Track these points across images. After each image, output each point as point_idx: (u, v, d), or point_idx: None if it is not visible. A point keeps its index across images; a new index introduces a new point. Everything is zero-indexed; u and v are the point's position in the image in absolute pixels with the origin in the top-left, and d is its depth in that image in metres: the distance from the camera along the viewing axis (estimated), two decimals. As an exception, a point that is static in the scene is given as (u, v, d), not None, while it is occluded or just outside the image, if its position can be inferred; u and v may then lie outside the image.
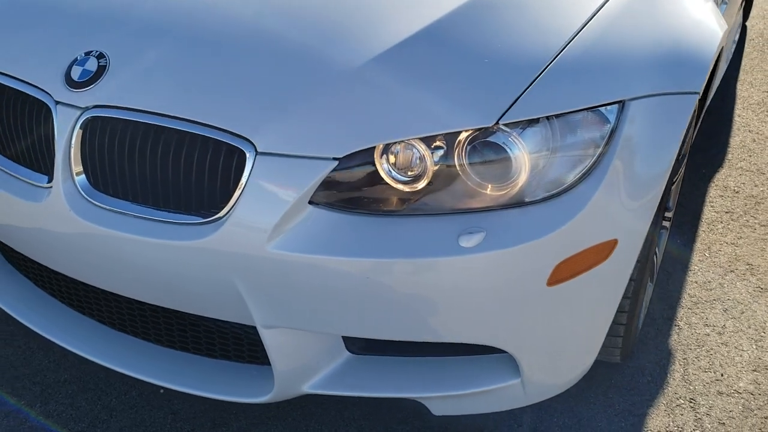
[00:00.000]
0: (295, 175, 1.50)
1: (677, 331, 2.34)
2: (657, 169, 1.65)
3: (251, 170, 1.52)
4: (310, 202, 1.52)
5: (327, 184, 1.52)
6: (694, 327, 2.36)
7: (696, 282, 2.55)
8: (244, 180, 1.52)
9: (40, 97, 1.68)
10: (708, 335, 2.33)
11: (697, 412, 2.06)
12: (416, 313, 1.55)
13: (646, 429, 2.01)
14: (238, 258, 1.54)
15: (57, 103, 1.66)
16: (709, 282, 2.55)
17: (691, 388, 2.14)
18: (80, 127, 1.63)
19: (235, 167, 1.53)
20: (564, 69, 1.58)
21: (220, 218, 1.55)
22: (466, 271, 1.51)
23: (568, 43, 1.62)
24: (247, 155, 1.52)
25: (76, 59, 1.68)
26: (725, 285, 2.54)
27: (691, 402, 2.09)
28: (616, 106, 1.59)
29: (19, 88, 1.71)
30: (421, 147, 1.53)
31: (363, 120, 1.52)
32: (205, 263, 1.57)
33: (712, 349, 2.27)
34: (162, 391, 2.11)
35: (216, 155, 1.55)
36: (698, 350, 2.27)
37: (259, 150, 1.51)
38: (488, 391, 1.70)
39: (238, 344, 1.78)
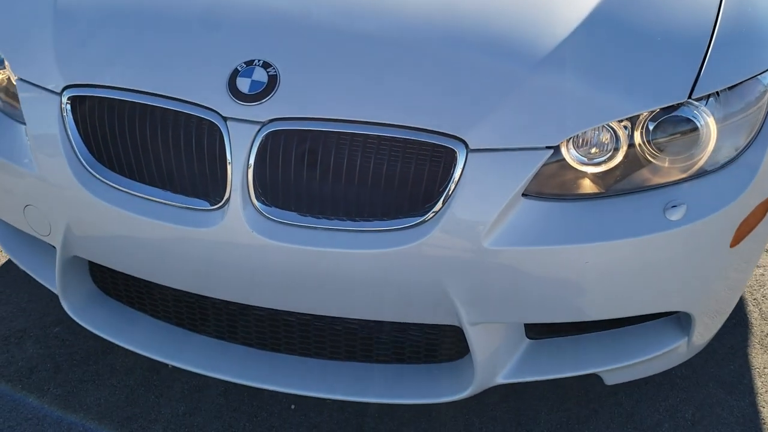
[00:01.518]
0: (510, 168, 1.50)
1: (735, 275, 2.53)
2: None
3: (463, 168, 1.49)
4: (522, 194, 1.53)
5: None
6: (748, 269, 2.56)
7: (730, 228, 2.76)
8: (456, 179, 1.50)
9: (202, 116, 1.56)
10: (763, 275, 2.54)
11: (788, 346, 2.25)
12: (619, 290, 1.60)
13: (753, 368, 2.18)
14: (451, 258, 1.52)
15: (226, 119, 1.55)
16: (740, 227, 2.76)
17: (773, 324, 2.33)
18: (260, 143, 1.53)
19: (444, 167, 1.51)
20: (724, 42, 1.66)
21: (430, 220, 1.52)
22: (670, 243, 1.57)
23: (717, 16, 1.70)
24: (458, 153, 1.49)
25: (236, 71, 1.57)
26: (755, 227, 2.76)
27: (778, 337, 2.28)
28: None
29: (172, 107, 1.58)
30: (612, 128, 1.56)
31: (564, 107, 1.54)
32: (414, 267, 1.54)
33: (772, 287, 2.48)
34: (293, 407, 2.03)
35: (422, 157, 1.51)
36: (762, 290, 2.47)
37: (471, 147, 1.49)
38: (659, 355, 1.78)
39: (416, 345, 1.75)
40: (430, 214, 1.52)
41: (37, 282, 2.41)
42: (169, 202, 1.62)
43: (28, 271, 1.98)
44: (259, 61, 1.57)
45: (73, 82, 1.67)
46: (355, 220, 1.55)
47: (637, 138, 1.59)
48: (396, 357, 1.78)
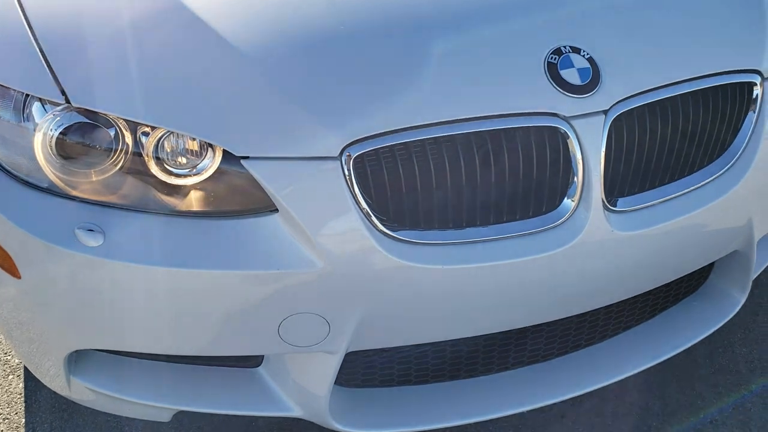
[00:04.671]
0: None
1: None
2: None
3: (761, 99, 1.56)
4: None
5: None
6: None
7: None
8: (757, 111, 1.56)
9: (538, 123, 1.36)
10: None
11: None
12: None
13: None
14: (762, 191, 1.59)
15: (568, 119, 1.37)
16: None
17: None
18: (607, 132, 1.40)
19: (744, 103, 1.55)
20: None
21: (741, 159, 1.56)
22: None
23: None
24: (756, 85, 1.55)
25: (550, 64, 1.38)
26: None
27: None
28: None
29: (491, 128, 1.35)
30: None
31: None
32: (735, 211, 1.58)
33: None
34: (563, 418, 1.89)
35: (717, 100, 1.52)
36: None
37: (765, 75, 1.56)
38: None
39: (677, 290, 1.79)
40: (738, 154, 1.56)
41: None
42: (504, 236, 1.39)
43: (255, 413, 1.50)
44: (566, 47, 1.41)
45: (354, 138, 1.30)
46: (674, 181, 1.52)
47: None
48: (651, 313, 1.79)
